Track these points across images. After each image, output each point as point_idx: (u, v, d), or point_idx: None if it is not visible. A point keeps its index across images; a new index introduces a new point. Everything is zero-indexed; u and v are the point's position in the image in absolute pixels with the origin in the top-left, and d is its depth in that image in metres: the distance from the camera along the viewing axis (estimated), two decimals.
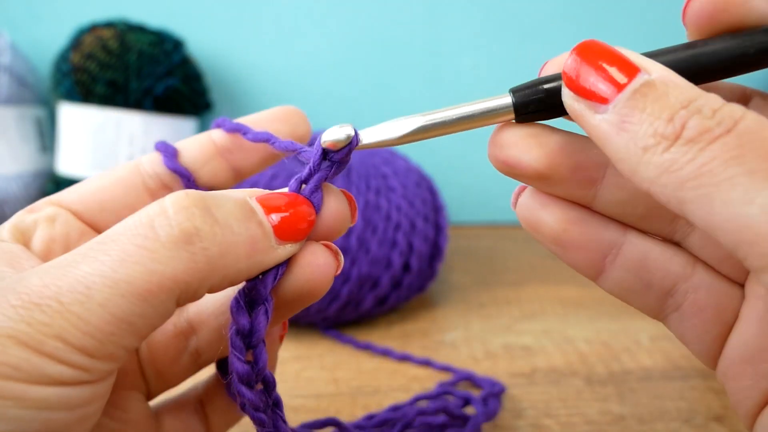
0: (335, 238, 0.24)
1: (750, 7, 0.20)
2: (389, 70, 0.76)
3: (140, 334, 0.19)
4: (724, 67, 0.21)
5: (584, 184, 0.23)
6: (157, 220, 0.20)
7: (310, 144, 0.24)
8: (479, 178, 0.78)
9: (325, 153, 0.23)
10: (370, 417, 0.37)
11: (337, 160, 0.23)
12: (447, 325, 0.53)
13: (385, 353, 0.47)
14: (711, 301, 0.23)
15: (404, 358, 0.46)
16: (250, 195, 0.22)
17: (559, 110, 0.22)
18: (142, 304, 0.19)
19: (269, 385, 0.23)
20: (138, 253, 0.19)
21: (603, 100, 0.19)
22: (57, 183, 0.65)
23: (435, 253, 0.54)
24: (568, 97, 0.20)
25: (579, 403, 0.41)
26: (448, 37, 0.75)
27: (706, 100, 0.18)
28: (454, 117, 0.22)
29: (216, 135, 0.28)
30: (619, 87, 0.19)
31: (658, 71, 0.19)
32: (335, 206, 0.24)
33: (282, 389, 0.25)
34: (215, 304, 0.27)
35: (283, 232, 0.22)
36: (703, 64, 0.21)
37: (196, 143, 0.28)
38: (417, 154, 0.63)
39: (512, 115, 0.22)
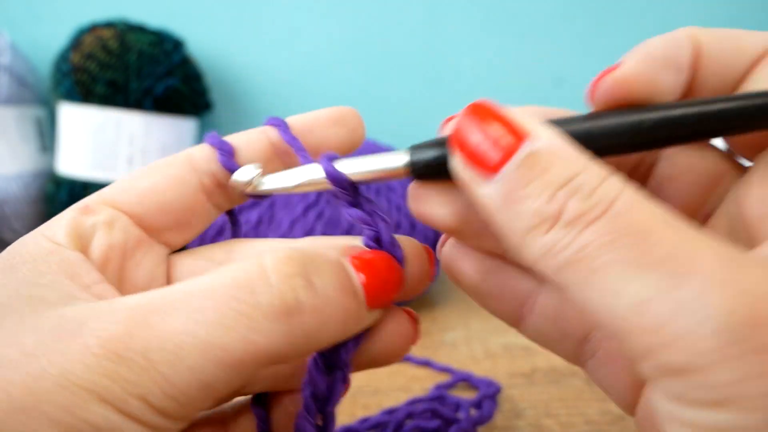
0: (413, 297, 0.23)
1: (654, 87, 0.20)
2: (389, 70, 0.76)
3: (220, 399, 0.19)
4: (619, 142, 0.20)
5: (497, 237, 0.22)
6: (257, 285, 0.18)
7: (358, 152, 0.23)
8: None
9: (355, 187, 0.22)
10: (364, 420, 0.37)
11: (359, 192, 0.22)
12: (447, 325, 0.53)
13: None
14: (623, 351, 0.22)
15: (404, 358, 0.46)
16: (342, 253, 0.21)
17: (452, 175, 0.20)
18: (230, 372, 0.18)
19: None
20: (235, 318, 0.18)
21: (490, 170, 0.18)
22: (57, 183, 0.65)
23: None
24: (456, 162, 0.19)
25: (579, 403, 0.41)
26: (448, 37, 0.75)
27: (586, 176, 0.17)
28: (356, 171, 0.22)
29: (272, 134, 0.25)
30: (507, 154, 0.18)
31: (545, 138, 0.18)
32: (419, 265, 0.23)
33: None
34: None
35: (373, 300, 0.21)
36: (596, 136, 0.20)
37: (252, 141, 0.25)
38: None
39: (411, 174, 0.21)
